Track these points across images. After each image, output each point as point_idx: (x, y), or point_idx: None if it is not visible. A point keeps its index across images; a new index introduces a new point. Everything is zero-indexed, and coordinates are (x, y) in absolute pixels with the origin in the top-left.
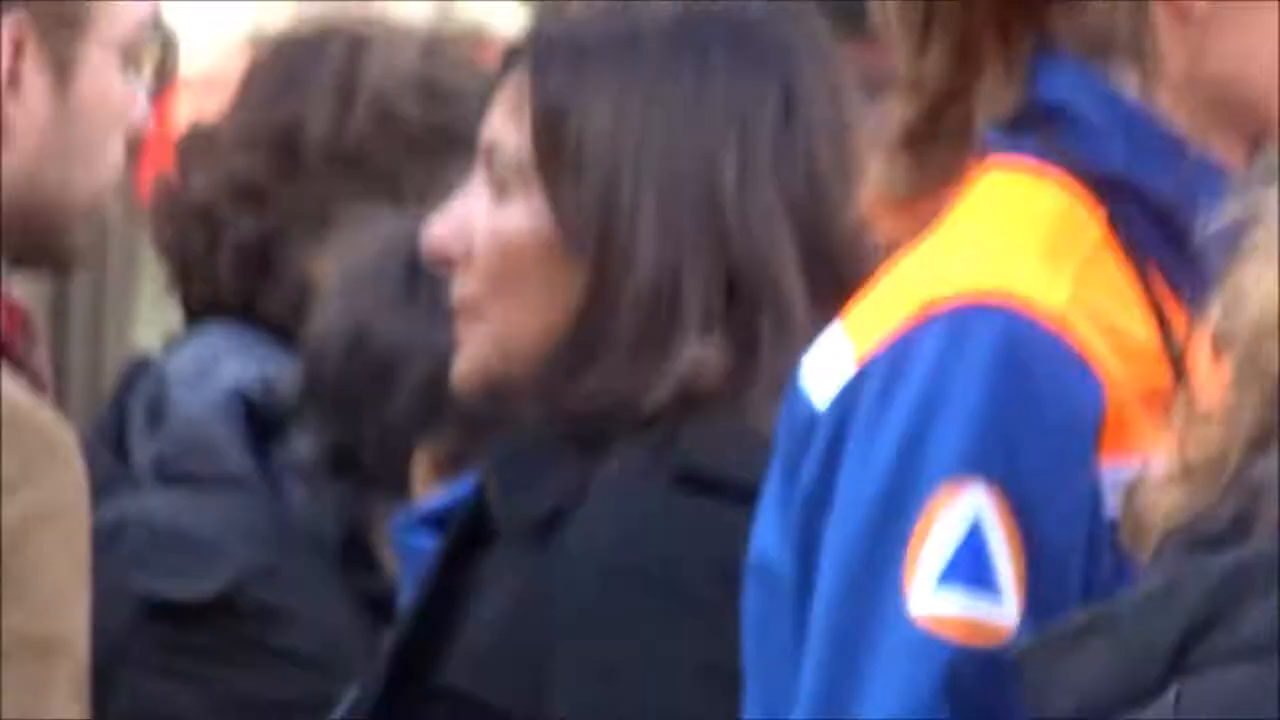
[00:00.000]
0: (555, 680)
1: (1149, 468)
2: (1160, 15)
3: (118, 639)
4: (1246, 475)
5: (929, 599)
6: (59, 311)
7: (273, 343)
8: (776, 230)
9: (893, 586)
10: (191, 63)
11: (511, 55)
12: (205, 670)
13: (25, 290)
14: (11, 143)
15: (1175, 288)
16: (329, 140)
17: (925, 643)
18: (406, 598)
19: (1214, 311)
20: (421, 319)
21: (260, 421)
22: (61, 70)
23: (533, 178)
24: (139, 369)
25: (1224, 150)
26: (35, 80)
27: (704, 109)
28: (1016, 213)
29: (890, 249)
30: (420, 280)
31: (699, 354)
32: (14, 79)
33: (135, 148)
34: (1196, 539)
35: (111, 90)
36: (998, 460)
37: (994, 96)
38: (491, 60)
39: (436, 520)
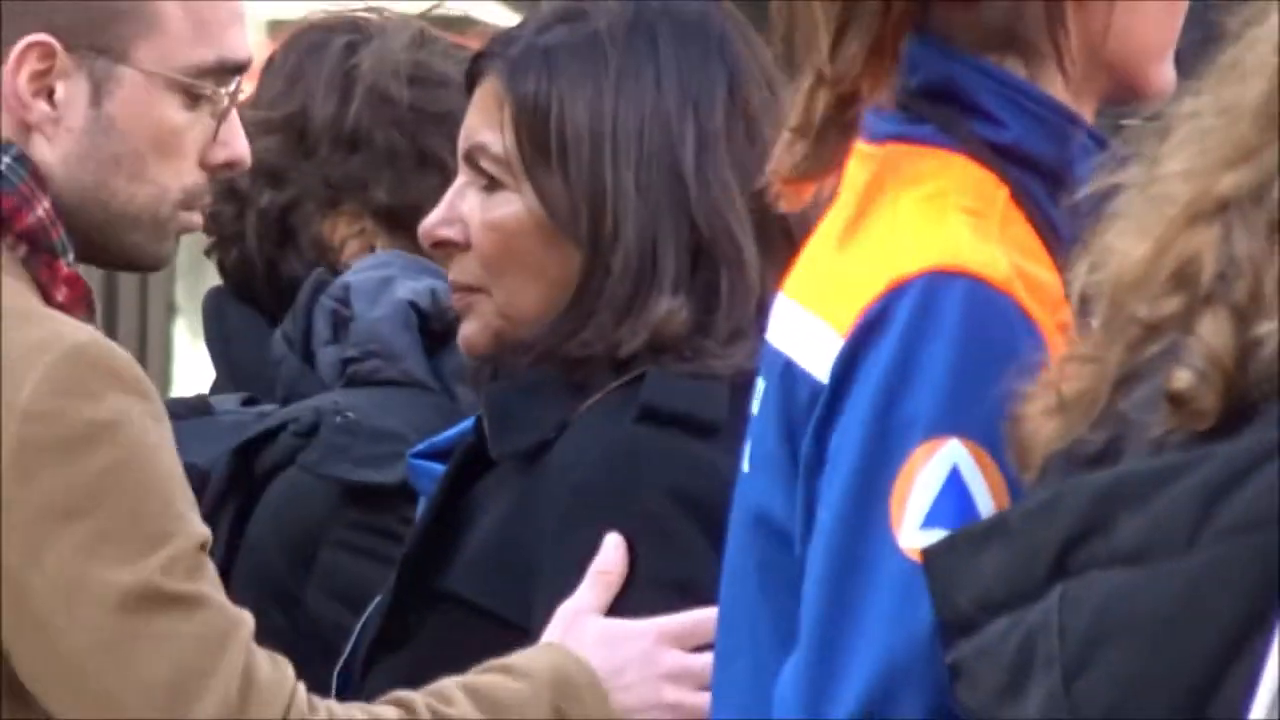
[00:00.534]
0: (538, 587)
1: (1028, 403)
2: (1070, 8)
3: (317, 521)
4: (1115, 408)
5: (916, 537)
6: (109, 274)
7: (435, 268)
8: (732, 198)
9: (883, 530)
10: None
11: (478, 64)
12: (390, 550)
13: None
14: (49, 144)
15: (1062, 242)
16: (333, 125)
17: (915, 573)
18: (418, 516)
19: (1082, 268)
20: None
21: (430, 332)
22: (95, 90)
23: (519, 172)
24: (319, 286)
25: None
26: (73, 95)
27: (663, 96)
28: (941, 187)
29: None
30: None
31: (667, 307)
32: (47, 93)
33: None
34: (1075, 460)
35: (151, 115)
36: (970, 416)
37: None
38: (475, 47)
39: (445, 451)
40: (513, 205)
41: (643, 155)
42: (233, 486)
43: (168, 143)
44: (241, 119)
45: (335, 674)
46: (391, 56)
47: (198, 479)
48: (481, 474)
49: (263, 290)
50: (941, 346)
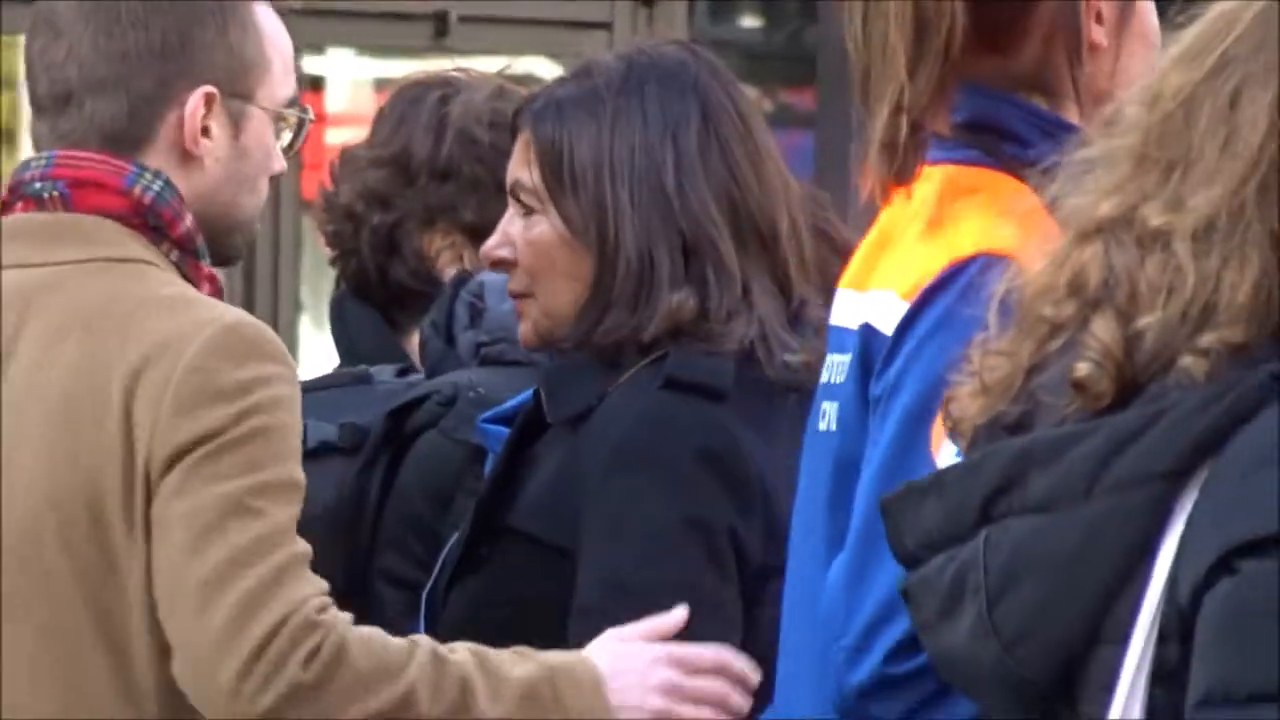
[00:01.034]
0: (582, 523)
1: (959, 387)
2: (1088, 55)
3: (453, 474)
4: (1027, 389)
5: (951, 461)
6: (248, 276)
7: None
8: (708, 208)
9: (925, 451)
10: (338, 102)
11: (516, 118)
12: None
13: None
14: (203, 176)
15: None
16: (429, 161)
17: None
18: (488, 469)
19: (1004, 280)
20: None
21: None
22: (235, 125)
23: (545, 199)
24: (460, 282)
25: None
26: (219, 132)
27: (648, 130)
28: (990, 196)
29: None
30: None
31: (675, 299)
32: (206, 130)
33: (295, 173)
34: (995, 430)
35: (266, 141)
36: None
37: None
38: None
39: (509, 417)
40: (543, 226)
41: (634, 177)
42: (386, 442)
43: (270, 163)
44: (357, 156)
45: (423, 596)
46: (475, 106)
47: (358, 434)
48: (539, 435)
49: (376, 292)
50: (985, 312)
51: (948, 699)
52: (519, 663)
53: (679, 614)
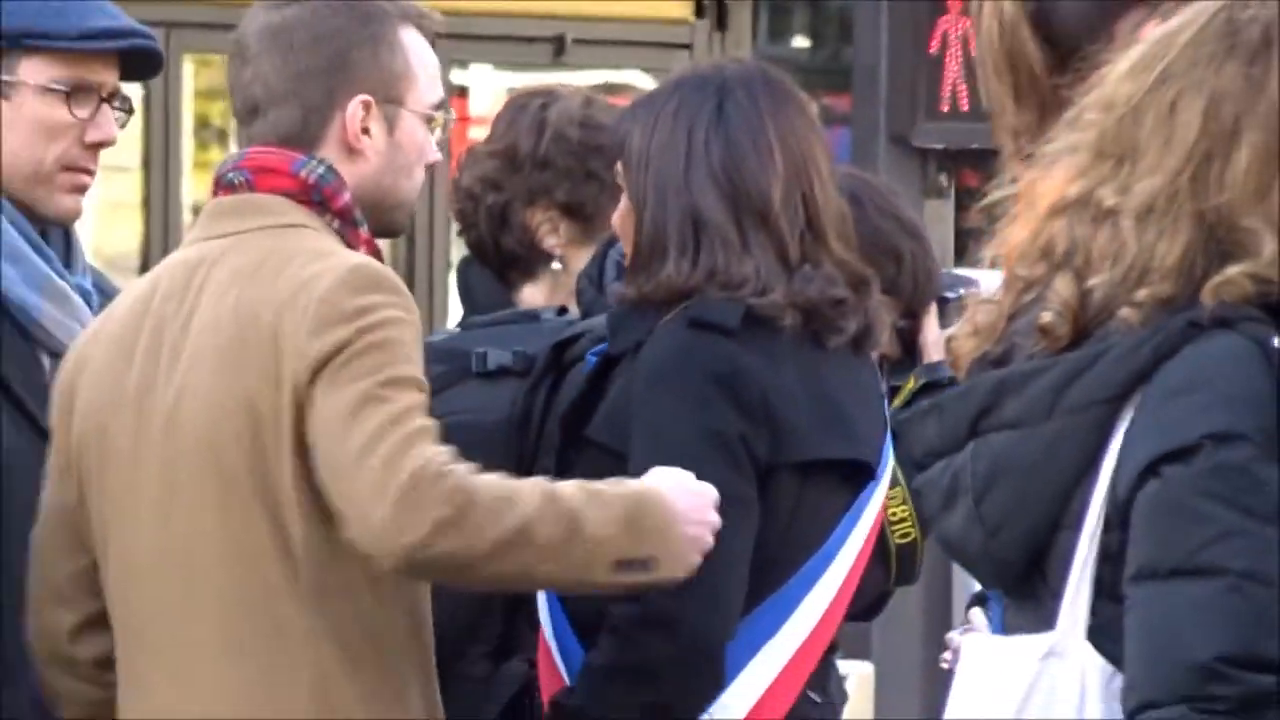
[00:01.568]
0: (632, 431)
1: (959, 330)
2: None
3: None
4: (1008, 332)
5: None
6: (410, 243)
7: None
8: (707, 194)
9: None
10: (480, 106)
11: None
12: None
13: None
14: (366, 165)
15: None
16: (531, 154)
17: None
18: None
19: (990, 248)
20: None
21: None
22: (389, 125)
23: (624, 182)
24: (611, 242)
25: None
26: (376, 131)
27: (674, 124)
28: None
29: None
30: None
31: (681, 266)
32: (365, 130)
33: (447, 162)
34: (983, 364)
35: (417, 137)
36: None
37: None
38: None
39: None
40: (623, 202)
41: (658, 167)
42: (550, 368)
43: (423, 154)
44: (477, 151)
45: None
46: (568, 110)
47: (528, 361)
48: (611, 364)
49: (491, 258)
50: None
51: None
52: (616, 490)
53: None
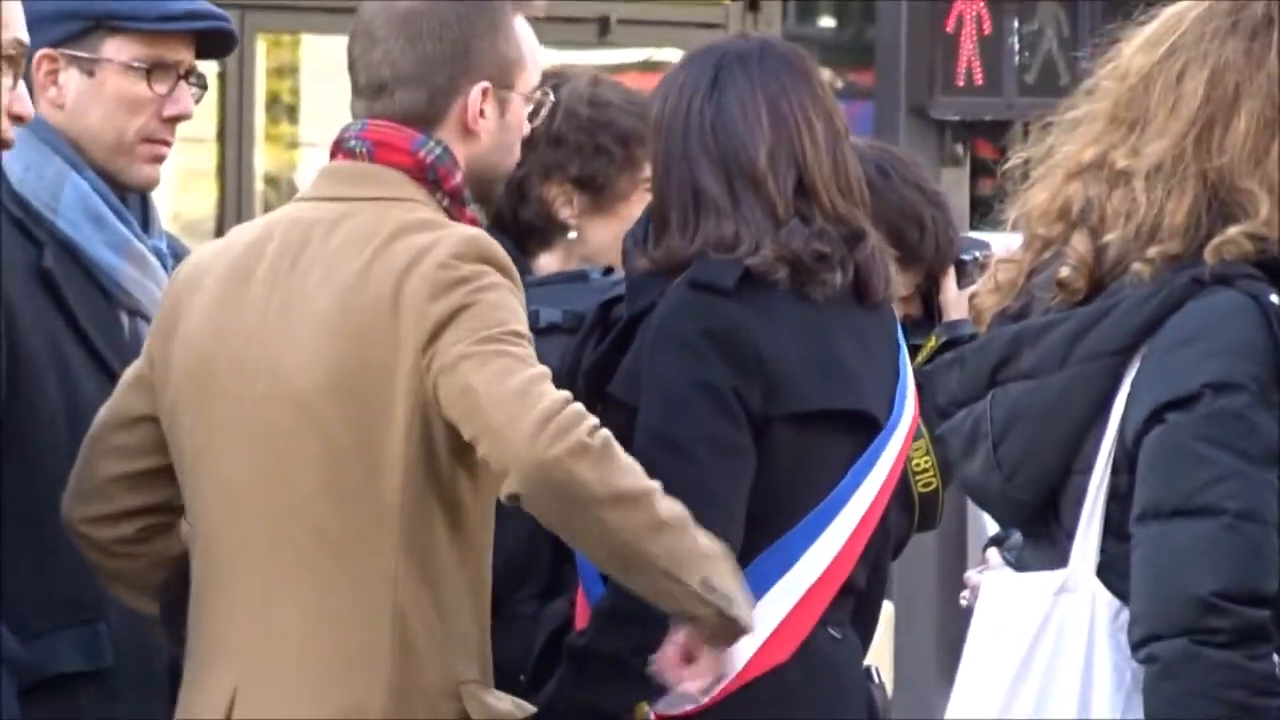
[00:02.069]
0: (644, 388)
1: (981, 288)
2: None
3: None
4: (1026, 289)
5: None
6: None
7: None
8: (700, 158)
9: None
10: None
11: None
12: None
13: None
14: (479, 145)
15: None
16: (545, 131)
17: None
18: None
19: (1013, 209)
20: None
21: None
22: (501, 108)
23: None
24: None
25: None
26: (490, 113)
27: (679, 97)
28: None
29: None
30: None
31: (679, 240)
32: (482, 113)
33: None
34: (1003, 318)
35: (522, 118)
36: None
37: None
38: (635, 85)
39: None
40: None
41: (664, 140)
42: (597, 325)
43: (522, 131)
44: None
45: None
46: (578, 90)
47: (577, 318)
48: (631, 325)
49: (510, 229)
50: None
51: None
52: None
53: None
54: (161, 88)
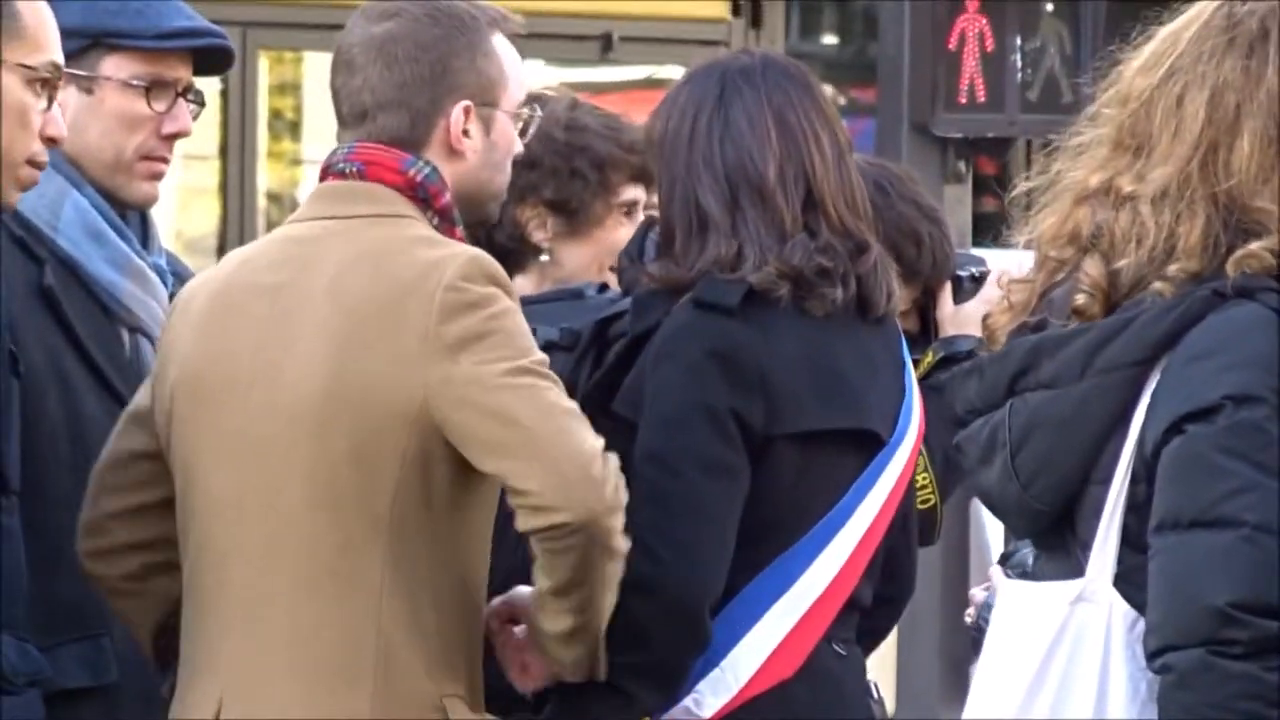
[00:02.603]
0: (646, 407)
1: (994, 308)
2: None
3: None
4: (1041, 305)
5: None
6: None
7: None
8: (704, 176)
9: None
10: None
11: None
12: None
13: None
14: (465, 164)
15: None
16: (520, 154)
17: None
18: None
19: (1023, 233)
20: None
21: None
22: (486, 126)
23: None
24: (650, 224)
25: None
26: (475, 132)
27: (682, 115)
28: None
29: None
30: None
31: (682, 262)
32: (466, 133)
33: None
34: (1019, 332)
35: (509, 135)
36: None
37: None
38: (615, 110)
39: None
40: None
41: (668, 159)
42: (594, 342)
43: (512, 149)
44: None
45: None
46: (555, 114)
47: (574, 336)
48: (637, 343)
49: (484, 249)
50: None
51: None
52: None
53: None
54: (160, 105)
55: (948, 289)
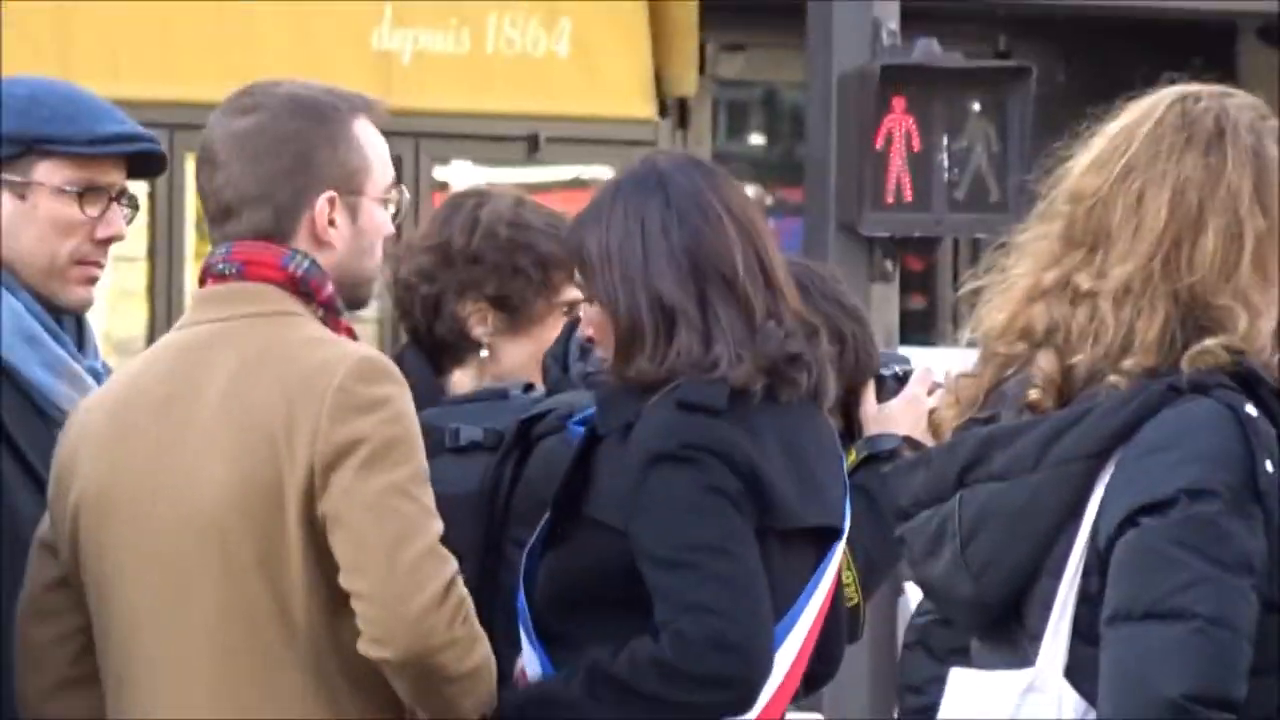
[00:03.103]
0: (631, 511)
1: (940, 403)
2: None
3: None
4: (990, 399)
5: None
6: (396, 322)
7: None
8: (666, 277)
9: None
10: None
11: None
12: None
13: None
14: (334, 253)
15: None
16: (464, 249)
17: None
18: (566, 465)
19: (967, 330)
20: None
21: None
22: (352, 214)
23: (588, 290)
24: (574, 326)
25: None
26: (341, 221)
27: (625, 220)
28: None
29: None
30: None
31: (655, 359)
32: (332, 222)
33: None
34: (966, 426)
35: (377, 220)
36: None
37: None
38: (558, 208)
39: (583, 421)
40: (594, 309)
41: (618, 259)
42: (518, 443)
43: (382, 233)
44: (413, 245)
45: (525, 553)
46: (499, 210)
47: (497, 436)
48: (598, 440)
49: (426, 343)
50: None
51: None
52: None
53: None
54: (94, 210)
55: (871, 387)
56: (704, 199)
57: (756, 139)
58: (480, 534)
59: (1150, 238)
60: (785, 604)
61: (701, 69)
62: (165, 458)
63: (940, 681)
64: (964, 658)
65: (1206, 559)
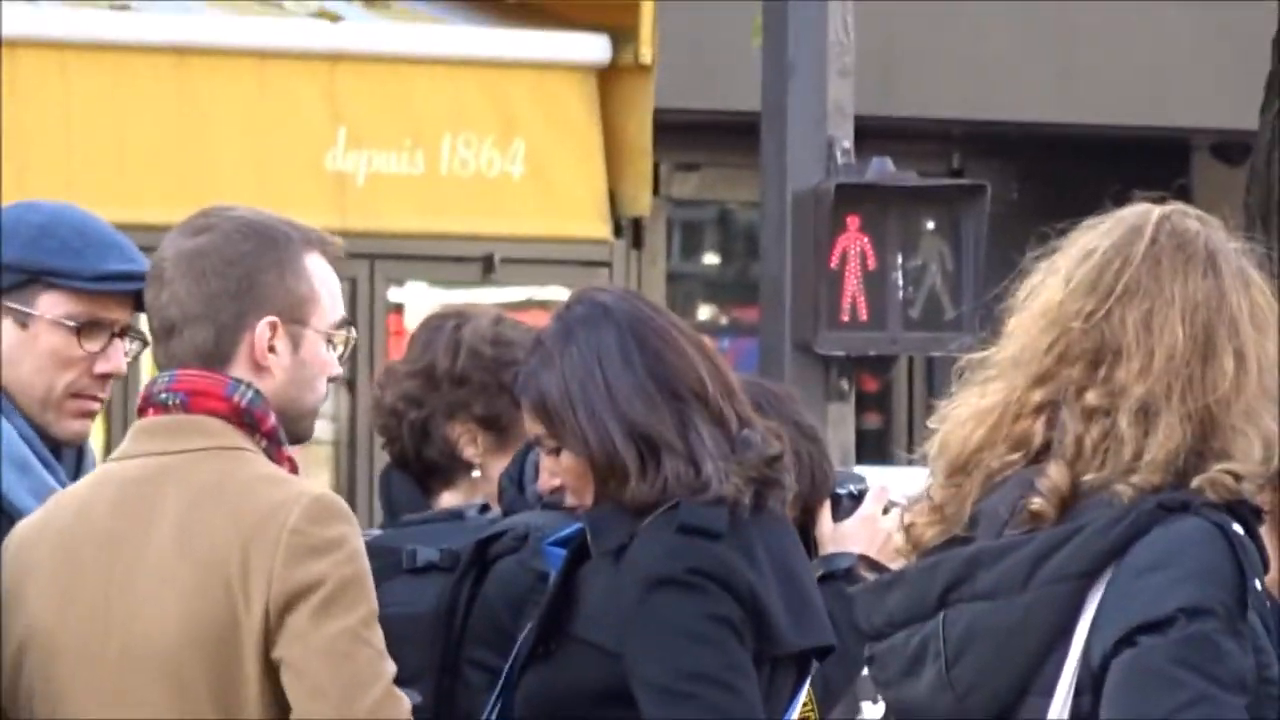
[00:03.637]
0: (627, 632)
1: (916, 520)
2: None
3: (526, 590)
4: (972, 514)
5: None
6: (351, 444)
7: None
8: (637, 404)
9: None
10: (415, 321)
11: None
12: None
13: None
14: (273, 380)
15: None
16: (449, 371)
17: None
18: (551, 582)
19: (932, 444)
20: None
21: None
22: (294, 343)
23: (556, 440)
24: (530, 446)
25: None
26: (282, 348)
27: (583, 359)
28: None
29: None
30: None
31: (643, 486)
32: (272, 349)
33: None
34: (949, 542)
35: (320, 354)
36: None
37: None
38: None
39: (565, 541)
40: (567, 458)
41: (580, 397)
42: (474, 563)
43: (325, 369)
44: (396, 369)
45: (503, 674)
46: (480, 329)
47: (453, 557)
48: (586, 559)
49: (414, 467)
50: None
51: None
52: None
53: None
54: (93, 345)
55: (827, 507)
56: (655, 323)
57: (711, 258)
58: (437, 654)
59: (1167, 356)
60: None
61: (656, 189)
62: (117, 596)
63: None
64: None
65: (1206, 677)
